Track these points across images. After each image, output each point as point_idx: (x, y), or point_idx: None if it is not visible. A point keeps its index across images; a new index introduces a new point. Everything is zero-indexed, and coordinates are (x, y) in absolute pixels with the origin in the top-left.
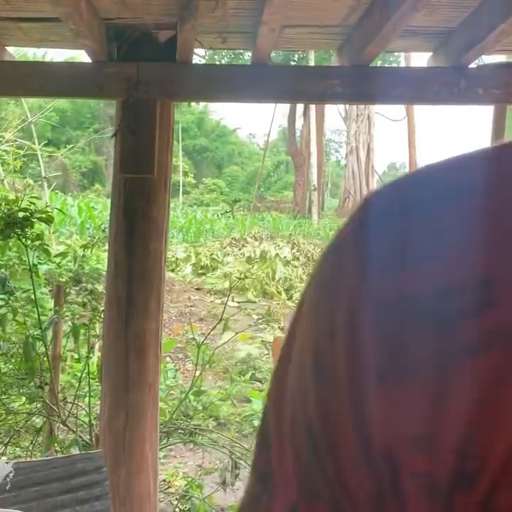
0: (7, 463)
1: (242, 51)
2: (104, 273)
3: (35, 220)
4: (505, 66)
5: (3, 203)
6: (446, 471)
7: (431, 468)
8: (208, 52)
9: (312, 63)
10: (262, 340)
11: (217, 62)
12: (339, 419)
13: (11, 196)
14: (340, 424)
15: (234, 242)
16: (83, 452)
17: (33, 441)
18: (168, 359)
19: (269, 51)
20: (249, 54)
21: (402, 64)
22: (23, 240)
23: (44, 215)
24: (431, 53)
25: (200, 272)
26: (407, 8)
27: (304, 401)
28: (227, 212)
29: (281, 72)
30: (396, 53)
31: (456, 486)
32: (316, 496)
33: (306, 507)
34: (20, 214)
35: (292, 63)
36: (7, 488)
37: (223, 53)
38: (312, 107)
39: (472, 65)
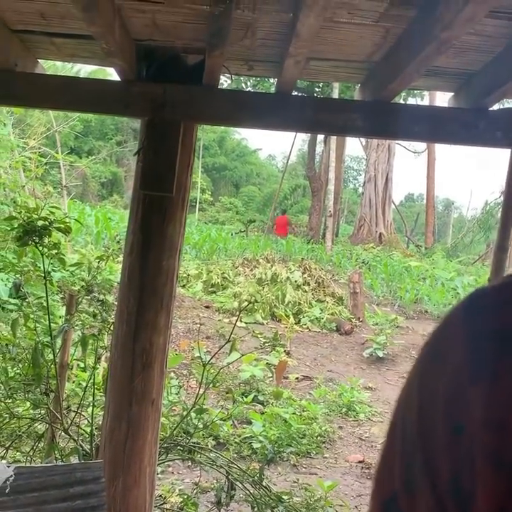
0: (8, 466)
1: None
2: (116, 284)
3: (53, 229)
4: None
5: (23, 211)
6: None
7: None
8: (233, 76)
9: (336, 91)
10: (267, 363)
11: (243, 84)
12: (433, 415)
13: (31, 202)
14: (433, 418)
15: (246, 262)
16: (83, 461)
17: (34, 447)
18: (172, 374)
19: (294, 81)
20: (274, 79)
21: (426, 99)
22: (40, 248)
23: (62, 226)
24: (452, 93)
25: (210, 289)
26: (432, 50)
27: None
28: (241, 231)
29: (304, 102)
30: None
31: None
32: (411, 483)
33: (403, 489)
34: (39, 223)
35: (316, 89)
36: (6, 491)
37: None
38: None
39: (492, 108)
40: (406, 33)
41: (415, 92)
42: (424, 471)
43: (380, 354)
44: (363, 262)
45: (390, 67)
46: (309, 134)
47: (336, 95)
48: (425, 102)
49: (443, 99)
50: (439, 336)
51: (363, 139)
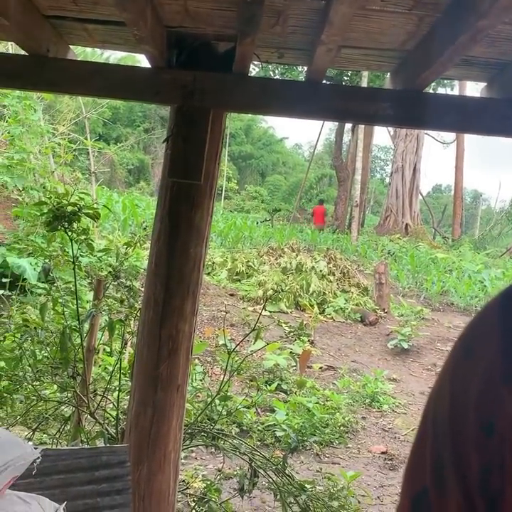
0: (36, 448)
1: None
2: (142, 270)
3: (82, 215)
4: None
5: (53, 196)
6: None
7: None
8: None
9: (365, 79)
10: (291, 352)
11: (271, 72)
12: (464, 409)
13: (60, 188)
14: (464, 411)
15: (271, 251)
16: (109, 445)
17: (61, 430)
18: (196, 361)
19: (325, 69)
20: (303, 67)
21: (456, 87)
22: (69, 234)
23: (91, 211)
24: (485, 84)
25: (235, 277)
26: (466, 39)
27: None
28: (267, 220)
29: (334, 91)
30: None
31: None
32: (441, 476)
33: (433, 484)
34: (69, 208)
35: (345, 78)
36: (33, 473)
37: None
38: None
39: None
40: (440, 22)
41: (445, 81)
42: (453, 462)
43: (405, 346)
44: (388, 253)
45: (423, 56)
46: (336, 123)
47: (364, 84)
48: (455, 92)
49: (473, 89)
50: (473, 331)
51: (390, 129)
